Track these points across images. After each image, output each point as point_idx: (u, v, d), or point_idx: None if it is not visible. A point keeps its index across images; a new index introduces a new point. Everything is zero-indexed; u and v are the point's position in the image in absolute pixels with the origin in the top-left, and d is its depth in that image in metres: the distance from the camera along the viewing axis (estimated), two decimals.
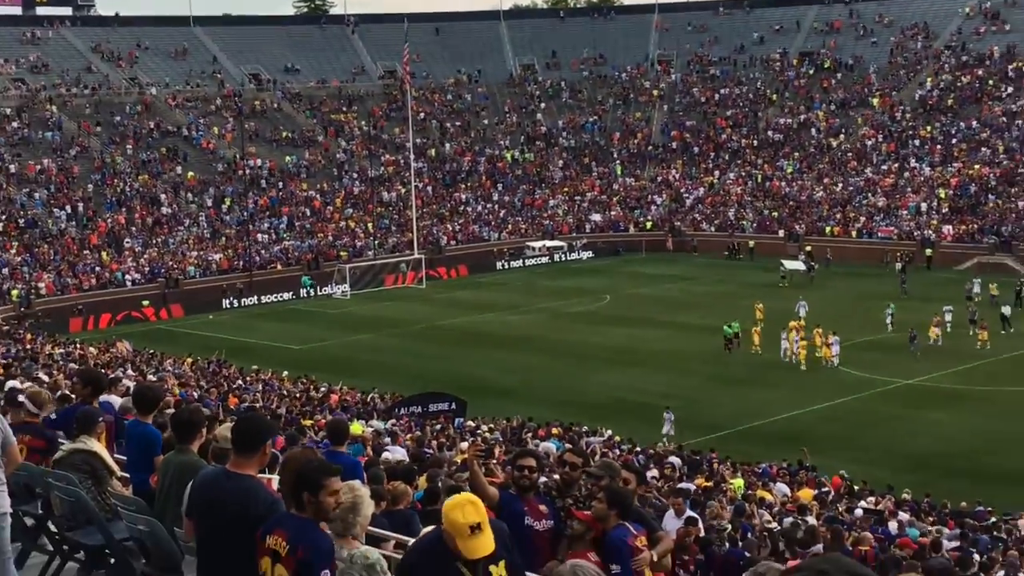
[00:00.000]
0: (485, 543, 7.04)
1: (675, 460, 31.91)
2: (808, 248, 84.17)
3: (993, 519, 29.09)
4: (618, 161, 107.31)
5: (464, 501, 7.27)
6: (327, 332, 63.88)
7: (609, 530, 9.58)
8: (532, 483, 10.33)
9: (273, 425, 9.43)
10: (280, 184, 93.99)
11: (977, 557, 21.72)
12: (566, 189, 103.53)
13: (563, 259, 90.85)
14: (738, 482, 29.88)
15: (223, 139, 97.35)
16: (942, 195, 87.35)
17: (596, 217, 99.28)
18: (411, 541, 8.91)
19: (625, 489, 10.33)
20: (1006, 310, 56.89)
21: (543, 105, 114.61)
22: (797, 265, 76.91)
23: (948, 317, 55.68)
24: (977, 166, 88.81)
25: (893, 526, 25.05)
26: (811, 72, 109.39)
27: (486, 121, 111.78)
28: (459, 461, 22.61)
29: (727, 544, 16.56)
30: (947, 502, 30.82)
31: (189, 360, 48.93)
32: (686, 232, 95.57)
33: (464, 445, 28.32)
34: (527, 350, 56.14)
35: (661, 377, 49.58)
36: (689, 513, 16.72)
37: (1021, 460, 37.01)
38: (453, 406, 41.33)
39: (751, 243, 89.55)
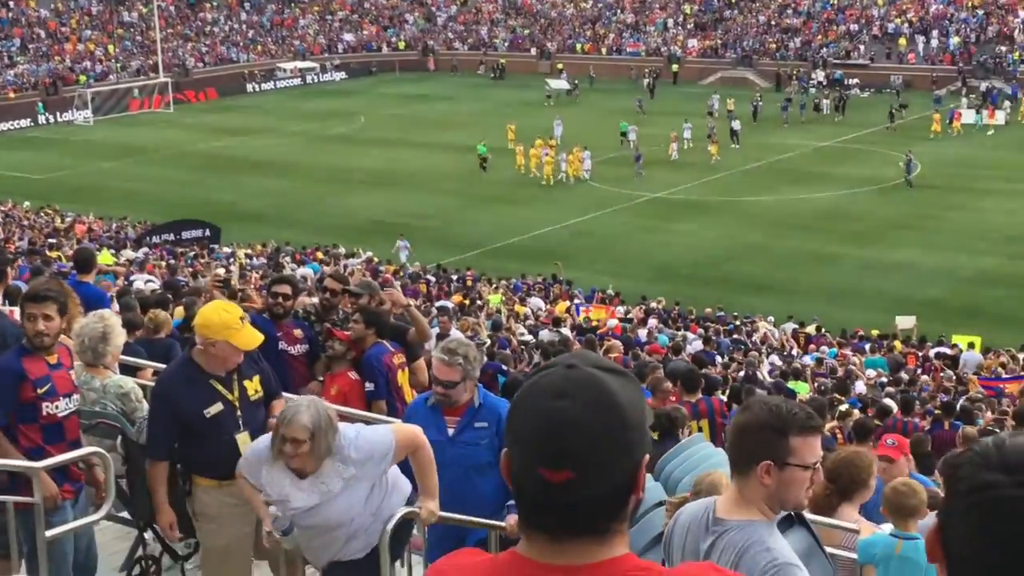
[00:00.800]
0: (256, 332, 7.22)
1: (431, 278, 32.39)
2: (560, 66, 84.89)
3: (736, 323, 30.74)
4: None
5: (218, 303, 7.43)
6: (70, 160, 61.19)
7: (367, 349, 9.71)
8: (286, 310, 10.35)
9: (7, 254, 9.11)
10: (9, 3, 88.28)
11: (719, 358, 22.97)
12: (316, 8, 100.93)
13: (316, 80, 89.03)
14: (495, 297, 30.53)
15: None
16: (687, 11, 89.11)
17: (348, 37, 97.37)
18: None
19: (381, 308, 10.45)
20: (735, 125, 58.78)
21: None
22: (561, 84, 77.42)
23: (687, 134, 57.08)
24: None
25: (643, 333, 26.13)
26: None
27: None
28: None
29: (485, 358, 16.95)
30: (693, 308, 32.32)
31: None
32: (439, 51, 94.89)
33: (220, 271, 27.95)
34: (282, 174, 55.24)
35: (418, 197, 49.70)
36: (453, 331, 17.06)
37: (759, 266, 38.98)
38: (207, 233, 40.69)
39: (502, 61, 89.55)
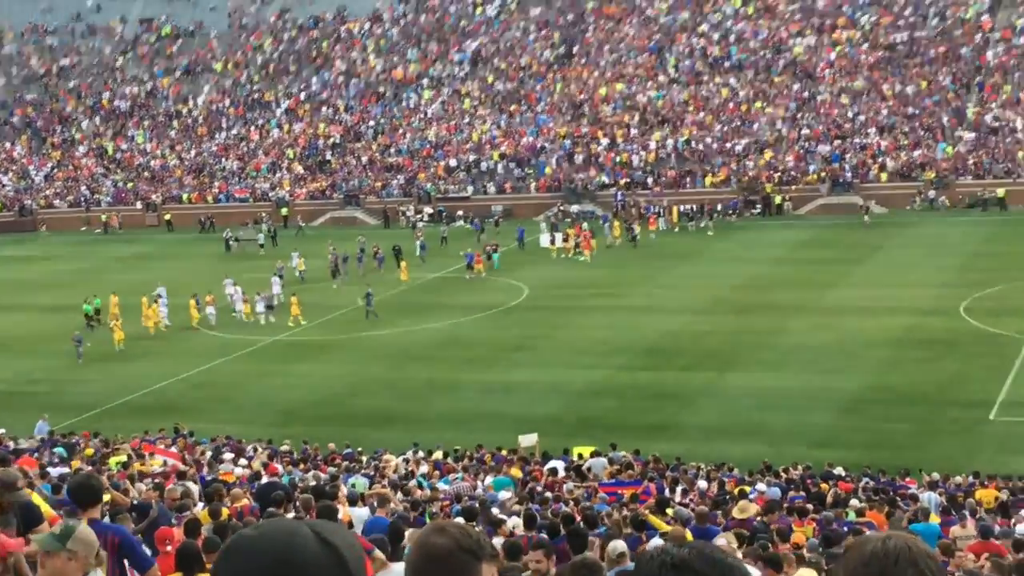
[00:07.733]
0: None
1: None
2: (264, 216, 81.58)
3: (364, 457, 30.91)
4: None
5: None
6: None
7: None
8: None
9: None
10: None
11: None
12: None
13: None
14: (114, 460, 29.47)
15: None
16: (291, 155, 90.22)
17: None
18: None
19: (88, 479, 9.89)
20: (275, 290, 54.92)
21: None
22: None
23: (242, 296, 53.90)
24: (322, 125, 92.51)
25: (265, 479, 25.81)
26: (153, 39, 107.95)
27: None
28: None
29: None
30: (318, 446, 32.33)
31: None
32: (37, 211, 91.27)
33: None
34: None
35: (23, 362, 47.38)
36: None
37: (383, 399, 39.53)
38: None
39: (104, 216, 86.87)
